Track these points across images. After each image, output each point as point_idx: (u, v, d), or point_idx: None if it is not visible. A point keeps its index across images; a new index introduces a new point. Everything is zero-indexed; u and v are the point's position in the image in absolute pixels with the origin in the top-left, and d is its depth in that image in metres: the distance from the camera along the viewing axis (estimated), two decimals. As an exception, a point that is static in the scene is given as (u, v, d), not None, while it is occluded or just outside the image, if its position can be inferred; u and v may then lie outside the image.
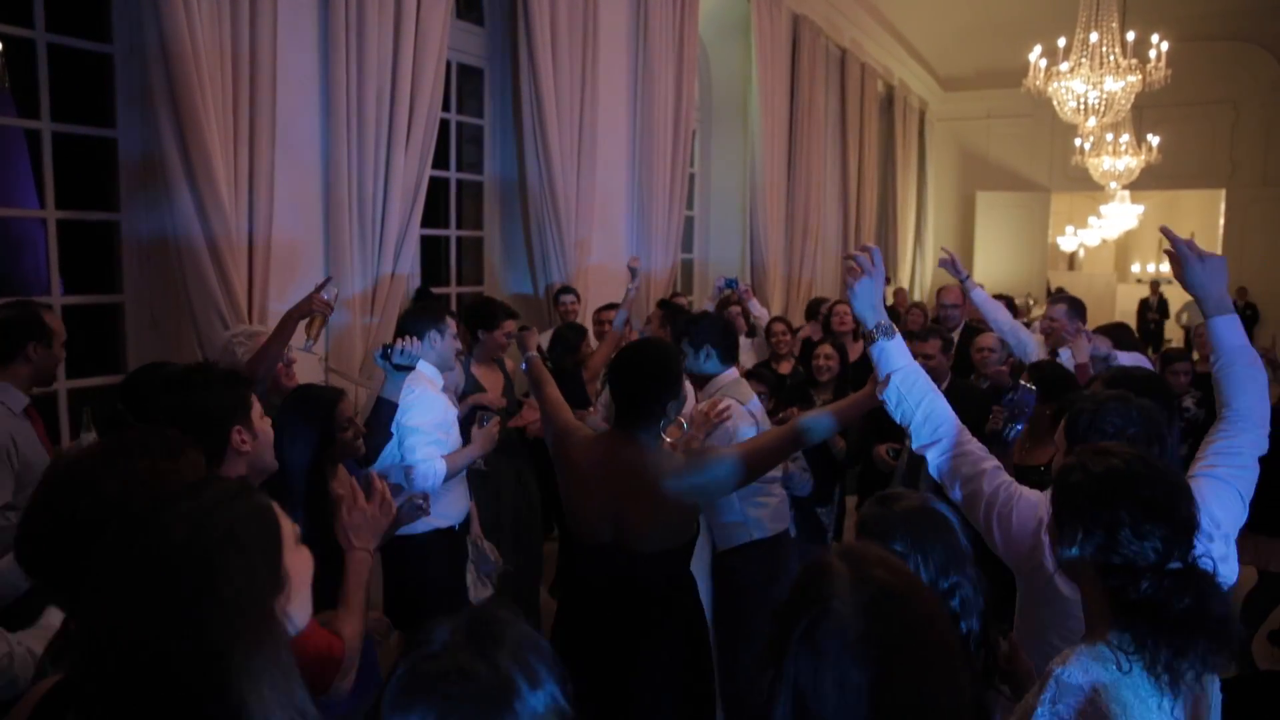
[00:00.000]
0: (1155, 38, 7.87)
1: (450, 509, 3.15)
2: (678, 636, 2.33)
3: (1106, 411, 1.92)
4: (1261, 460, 1.90)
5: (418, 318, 3.11)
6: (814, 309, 6.69)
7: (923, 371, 2.02)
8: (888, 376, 2.01)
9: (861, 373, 5.04)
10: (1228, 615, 1.36)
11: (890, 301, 9.85)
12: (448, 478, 3.02)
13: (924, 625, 1.07)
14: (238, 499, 1.09)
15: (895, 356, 2.01)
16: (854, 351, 5.45)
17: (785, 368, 5.04)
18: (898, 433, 4.03)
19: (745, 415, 3.01)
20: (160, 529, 1.02)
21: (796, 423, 2.32)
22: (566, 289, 5.14)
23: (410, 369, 2.78)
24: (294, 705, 1.01)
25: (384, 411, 2.75)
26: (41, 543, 1.26)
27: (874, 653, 1.03)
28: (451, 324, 3.16)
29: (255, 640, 0.99)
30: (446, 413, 3.12)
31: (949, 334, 4.52)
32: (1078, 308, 4.33)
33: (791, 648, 1.06)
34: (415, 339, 2.82)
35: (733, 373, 3.20)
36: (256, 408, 1.95)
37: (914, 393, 1.99)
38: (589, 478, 2.36)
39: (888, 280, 11.66)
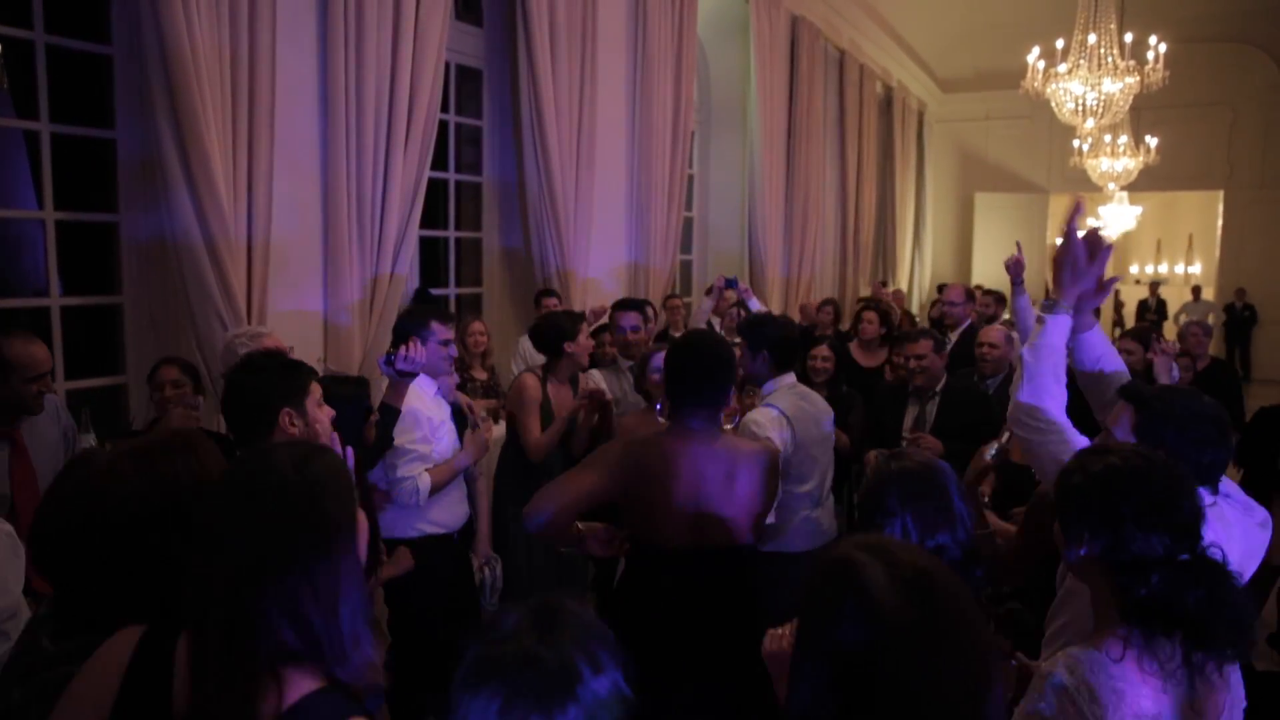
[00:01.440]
0: (1153, 39, 7.88)
1: (444, 515, 3.07)
2: (748, 642, 2.23)
3: (1192, 420, 1.80)
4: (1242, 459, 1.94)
5: (406, 324, 2.95)
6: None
7: (1050, 363, 2.02)
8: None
9: (867, 377, 5.02)
10: (1242, 603, 1.37)
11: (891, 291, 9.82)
12: (438, 489, 2.96)
13: (958, 597, 1.08)
14: (325, 452, 1.24)
15: (1046, 331, 2.06)
16: (865, 358, 5.45)
17: None
18: (895, 437, 4.03)
19: (774, 421, 2.99)
20: (271, 465, 1.15)
21: None
22: (548, 291, 5.07)
23: (414, 375, 2.76)
24: (371, 617, 1.17)
25: (386, 417, 2.73)
26: (50, 542, 1.28)
27: (918, 629, 1.03)
28: (438, 330, 2.95)
29: (346, 555, 1.14)
30: (429, 422, 2.97)
31: (940, 335, 4.50)
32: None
33: (832, 639, 1.05)
34: (419, 344, 2.75)
35: (788, 378, 3.19)
36: (314, 396, 2.02)
37: (1027, 372, 2.03)
38: (661, 476, 2.27)
39: (883, 283, 11.49)
